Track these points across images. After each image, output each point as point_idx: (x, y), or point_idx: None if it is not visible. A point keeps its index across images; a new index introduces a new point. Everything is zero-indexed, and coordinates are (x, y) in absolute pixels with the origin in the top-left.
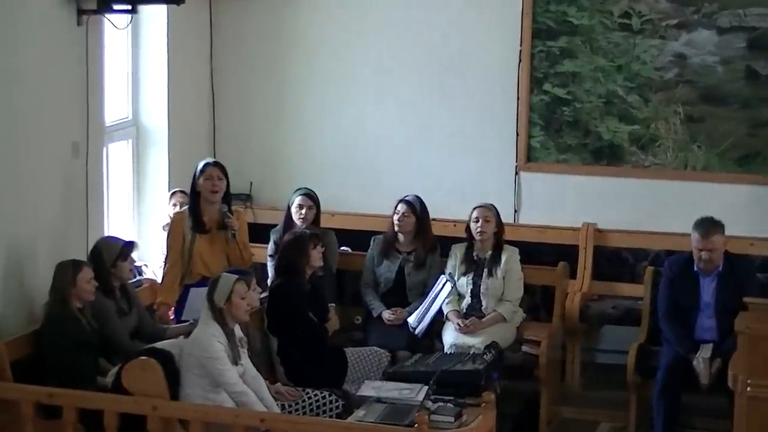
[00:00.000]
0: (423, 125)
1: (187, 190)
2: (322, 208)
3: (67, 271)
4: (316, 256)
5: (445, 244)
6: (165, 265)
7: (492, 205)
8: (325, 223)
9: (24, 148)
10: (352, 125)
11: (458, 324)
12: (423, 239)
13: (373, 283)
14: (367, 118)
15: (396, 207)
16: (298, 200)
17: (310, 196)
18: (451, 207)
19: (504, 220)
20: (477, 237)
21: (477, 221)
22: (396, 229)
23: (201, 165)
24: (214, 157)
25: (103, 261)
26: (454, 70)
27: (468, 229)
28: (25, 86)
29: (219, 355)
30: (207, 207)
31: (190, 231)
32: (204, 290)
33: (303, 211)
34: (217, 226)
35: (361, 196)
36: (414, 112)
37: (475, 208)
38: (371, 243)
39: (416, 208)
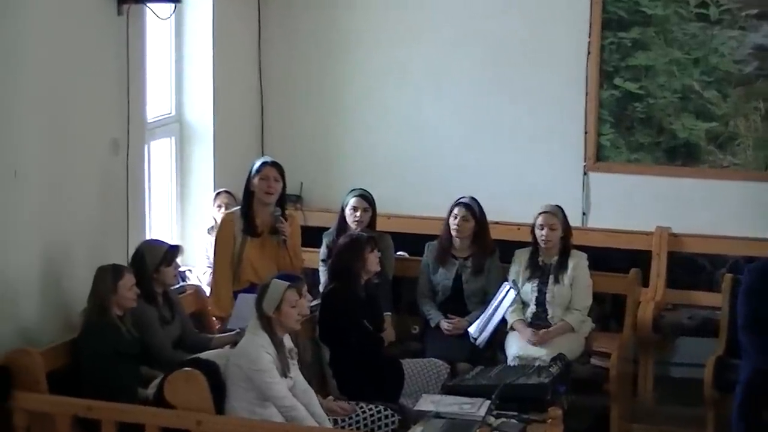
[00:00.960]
0: (483, 122)
1: (233, 190)
2: (378, 209)
3: (107, 276)
4: (373, 261)
5: (508, 248)
6: (213, 271)
7: (559, 208)
8: (380, 226)
9: (60, 145)
10: (407, 122)
11: (529, 337)
12: (480, 243)
13: (429, 291)
14: (423, 114)
15: (452, 210)
16: (352, 202)
17: (366, 198)
18: (514, 209)
19: (571, 223)
20: (542, 244)
21: (542, 228)
22: (453, 234)
23: (257, 164)
24: (263, 156)
25: (145, 266)
26: (517, 63)
27: (533, 232)
28: (62, 79)
29: (267, 367)
30: (260, 209)
31: (240, 234)
32: (252, 297)
33: (358, 214)
34: (270, 230)
35: (416, 197)
36: (474, 108)
37: (540, 214)
38: (426, 249)
39: (475, 211)
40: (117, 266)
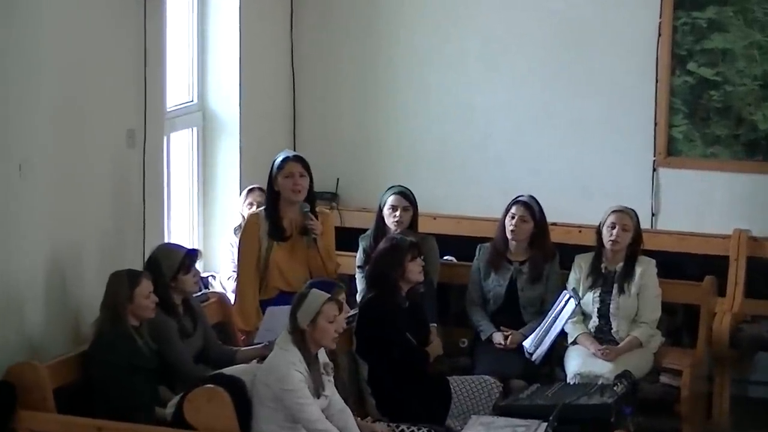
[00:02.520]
0: (541, 111)
1: (263, 186)
2: (421, 209)
3: (122, 283)
4: (414, 270)
5: (568, 252)
6: (237, 279)
7: (633, 211)
8: (424, 227)
9: (70, 137)
10: (456, 111)
11: (597, 349)
12: (539, 247)
13: (480, 300)
14: (475, 102)
15: (509, 209)
16: (390, 200)
17: (405, 195)
18: (573, 209)
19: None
20: (609, 246)
21: (613, 227)
22: (509, 236)
23: (279, 159)
24: (294, 149)
25: (162, 272)
26: (580, 45)
27: (599, 233)
28: (72, 64)
29: (298, 387)
30: (287, 209)
31: (266, 237)
32: (283, 309)
33: (397, 213)
34: (299, 230)
35: (465, 195)
36: (531, 96)
37: (612, 212)
38: (477, 252)
39: (535, 211)
40: (133, 271)
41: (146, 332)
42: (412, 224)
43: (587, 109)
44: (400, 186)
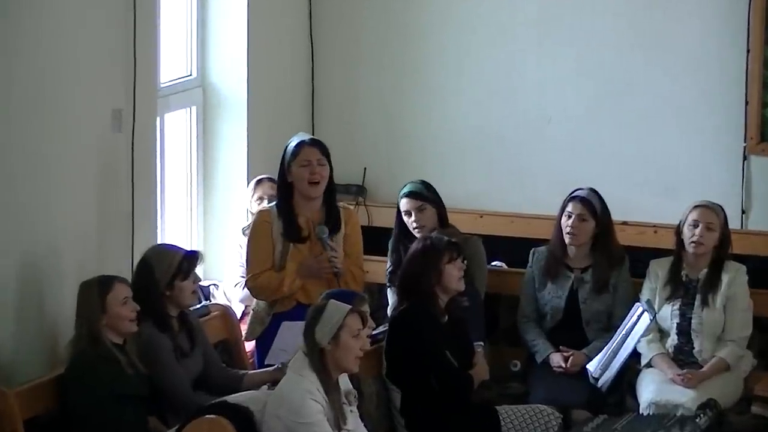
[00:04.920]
0: (606, 89)
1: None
2: (463, 206)
3: (92, 291)
4: (453, 275)
5: (640, 257)
6: (247, 282)
7: (719, 207)
8: (467, 227)
9: (46, 118)
10: (503, 89)
11: (675, 375)
12: (604, 251)
13: (534, 314)
14: (525, 79)
15: (565, 206)
16: (402, 205)
17: (416, 194)
18: (647, 206)
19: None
20: (690, 249)
21: (695, 226)
22: (567, 238)
23: (292, 145)
24: (313, 133)
25: (154, 280)
26: (655, 10)
27: (678, 234)
28: (51, 35)
29: (315, 419)
30: (304, 204)
31: (280, 238)
32: (300, 325)
33: (413, 219)
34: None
35: (516, 190)
36: (593, 71)
37: (694, 208)
38: (530, 258)
39: (595, 207)
40: (105, 277)
41: (134, 352)
42: (442, 220)
43: (663, 87)
44: (411, 183)
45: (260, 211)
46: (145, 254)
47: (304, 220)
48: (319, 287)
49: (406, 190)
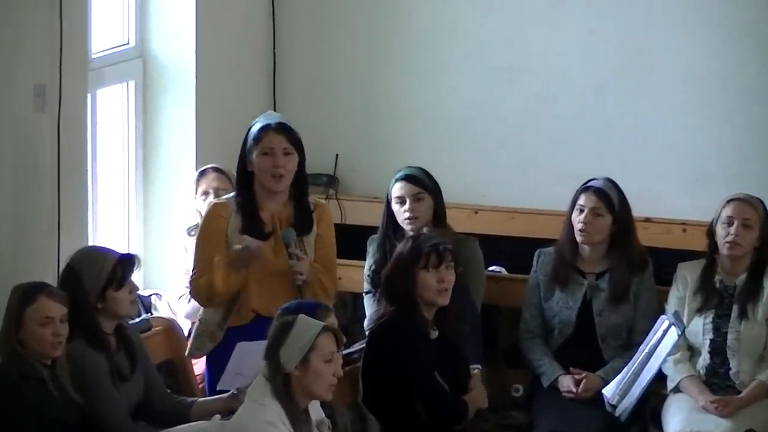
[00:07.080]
0: (627, 62)
1: (226, 167)
2: (458, 200)
3: (14, 299)
4: (428, 285)
5: (667, 260)
6: (192, 288)
7: (759, 200)
8: (461, 224)
9: None
10: (501, 62)
11: (706, 402)
12: (622, 252)
13: (540, 329)
14: (527, 49)
15: (576, 199)
16: (396, 190)
17: (416, 180)
18: (675, 200)
19: None
20: (725, 250)
21: (729, 223)
22: (579, 237)
23: (256, 128)
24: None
25: (82, 290)
26: None
27: (711, 232)
28: None
29: None
30: (267, 197)
31: (238, 236)
32: (259, 345)
33: (407, 207)
34: (285, 225)
35: (517, 182)
36: (611, 39)
37: (729, 202)
38: (534, 261)
39: (613, 201)
40: (31, 285)
41: (65, 373)
42: (438, 218)
43: (696, 59)
44: (408, 168)
45: (215, 204)
46: (71, 259)
47: (268, 215)
48: (284, 297)
49: (402, 173)
